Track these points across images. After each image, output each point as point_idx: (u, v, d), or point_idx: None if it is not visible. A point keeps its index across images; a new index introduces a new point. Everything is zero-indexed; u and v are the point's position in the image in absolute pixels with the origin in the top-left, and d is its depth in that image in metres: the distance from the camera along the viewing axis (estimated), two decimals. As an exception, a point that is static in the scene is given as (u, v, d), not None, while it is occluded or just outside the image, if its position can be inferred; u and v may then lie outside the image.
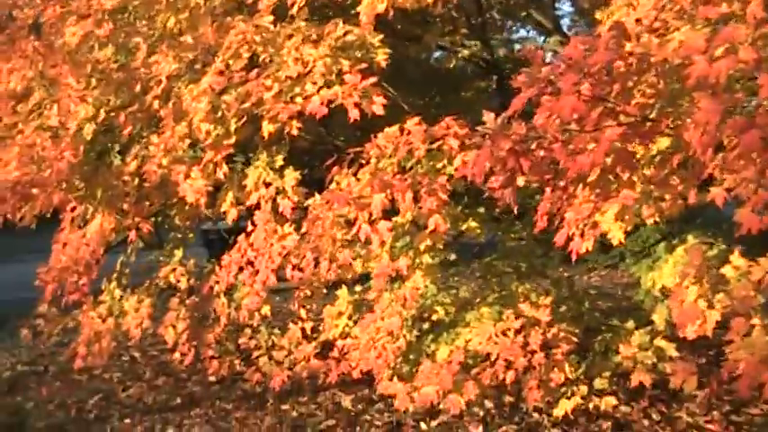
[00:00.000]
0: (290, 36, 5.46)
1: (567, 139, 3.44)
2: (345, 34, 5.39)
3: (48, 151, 6.10)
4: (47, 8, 6.97)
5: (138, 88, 5.95)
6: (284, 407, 6.58)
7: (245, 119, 5.39)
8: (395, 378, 5.45)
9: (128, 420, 6.51)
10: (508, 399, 6.15)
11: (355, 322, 6.01)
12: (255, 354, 6.46)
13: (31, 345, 8.43)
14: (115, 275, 6.81)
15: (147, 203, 6.41)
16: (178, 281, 6.65)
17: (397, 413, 5.97)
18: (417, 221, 4.97)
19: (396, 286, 5.21)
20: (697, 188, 3.92)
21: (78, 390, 7.42)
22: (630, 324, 5.54)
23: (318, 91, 5.16)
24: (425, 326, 5.76)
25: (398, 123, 4.98)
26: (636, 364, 5.24)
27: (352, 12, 6.27)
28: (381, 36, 5.38)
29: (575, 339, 5.20)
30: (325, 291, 5.91)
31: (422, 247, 4.99)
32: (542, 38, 11.95)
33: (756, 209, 3.30)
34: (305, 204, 5.49)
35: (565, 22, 12.63)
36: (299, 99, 5.22)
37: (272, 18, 5.58)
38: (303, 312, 6.14)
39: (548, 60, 11.36)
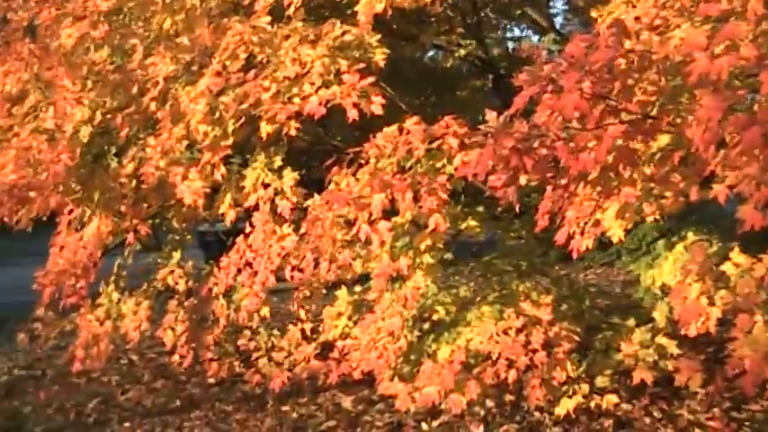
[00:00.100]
0: (288, 36, 5.45)
1: (569, 137, 3.44)
2: (343, 34, 5.39)
3: (44, 154, 6.08)
4: (42, 10, 6.96)
5: (134, 90, 5.94)
6: (284, 408, 6.55)
7: (243, 120, 5.38)
8: (396, 378, 5.44)
9: (127, 424, 6.47)
10: (509, 398, 6.14)
11: (355, 323, 6.00)
12: (255, 355, 6.45)
13: (28, 348, 8.38)
14: (113, 278, 6.79)
15: (145, 205, 6.39)
16: (176, 283, 6.64)
17: (397, 413, 5.95)
18: (417, 221, 4.95)
19: (396, 286, 5.20)
20: (698, 185, 3.91)
21: (77, 393, 7.37)
22: (631, 322, 5.54)
23: (317, 91, 5.15)
24: (426, 326, 5.75)
25: (396, 123, 4.97)
26: (637, 362, 5.24)
27: (348, 12, 6.27)
28: (379, 36, 5.37)
29: (576, 338, 5.20)
30: (324, 291, 5.90)
31: (422, 247, 4.97)
32: (537, 37, 11.97)
33: (759, 205, 3.30)
34: (304, 205, 5.48)
35: (557, 21, 12.63)
36: (296, 99, 5.21)
37: (269, 19, 5.57)
38: (302, 313, 6.12)
39: (543, 59, 11.39)
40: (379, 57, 5.35)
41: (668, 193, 4.35)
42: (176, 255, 6.78)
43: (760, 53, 3.21)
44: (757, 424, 5.76)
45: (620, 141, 3.48)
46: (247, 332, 6.59)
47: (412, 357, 5.48)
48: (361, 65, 5.20)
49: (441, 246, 5.01)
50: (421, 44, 9.67)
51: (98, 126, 6.18)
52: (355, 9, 5.44)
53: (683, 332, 4.55)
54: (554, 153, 3.44)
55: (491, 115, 3.58)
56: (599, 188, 4.03)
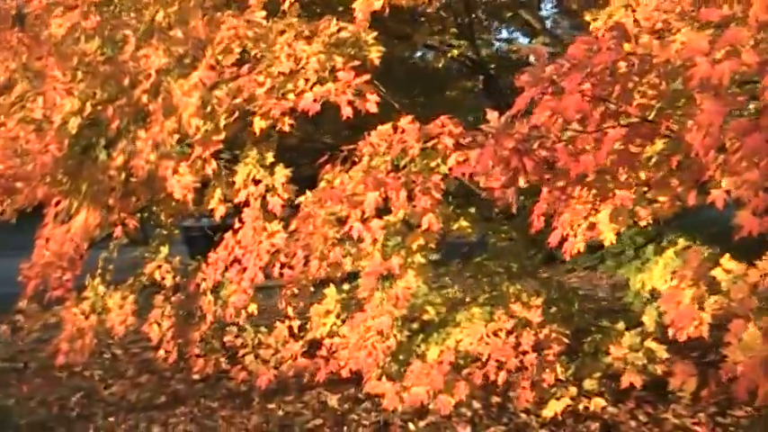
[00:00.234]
0: (283, 32, 5.43)
1: (569, 139, 3.43)
2: (339, 31, 5.37)
3: (32, 144, 6.02)
4: (32, -1, 6.87)
5: (126, 82, 5.88)
6: (270, 406, 6.51)
7: (236, 115, 5.34)
8: (384, 378, 5.42)
9: (111, 419, 6.40)
10: (495, 399, 6.15)
11: (343, 321, 5.98)
12: (242, 352, 6.41)
13: (9, 341, 8.31)
14: (99, 271, 6.73)
15: (134, 199, 6.32)
16: (163, 278, 6.60)
17: (384, 413, 5.94)
18: (410, 220, 4.94)
19: (387, 285, 5.17)
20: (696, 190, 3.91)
21: (60, 387, 7.31)
22: (620, 325, 5.55)
23: (311, 88, 5.14)
24: (415, 326, 5.74)
25: (386, 122, 4.96)
26: (626, 366, 5.25)
27: (341, 9, 6.25)
28: (375, 33, 5.35)
29: (566, 340, 5.20)
30: (311, 289, 5.86)
31: (414, 247, 4.95)
32: (527, 39, 12.00)
33: (757, 211, 3.30)
34: (295, 202, 5.44)
35: (546, 24, 12.66)
36: (291, 95, 5.20)
37: (264, 13, 5.54)
38: (290, 310, 6.08)
39: (533, 61, 11.40)
40: (375, 54, 5.34)
41: (662, 198, 4.36)
42: (164, 249, 6.73)
43: (761, 59, 3.21)
44: (742, 429, 5.78)
45: (617, 145, 3.47)
46: (234, 329, 6.54)
47: (401, 357, 5.46)
48: (356, 62, 5.19)
49: (433, 246, 5.00)
50: (412, 43, 9.67)
51: (87, 117, 6.10)
52: (351, 6, 5.42)
53: (671, 336, 4.59)
54: (554, 155, 3.43)
55: (492, 115, 3.57)
56: (594, 191, 4.03)
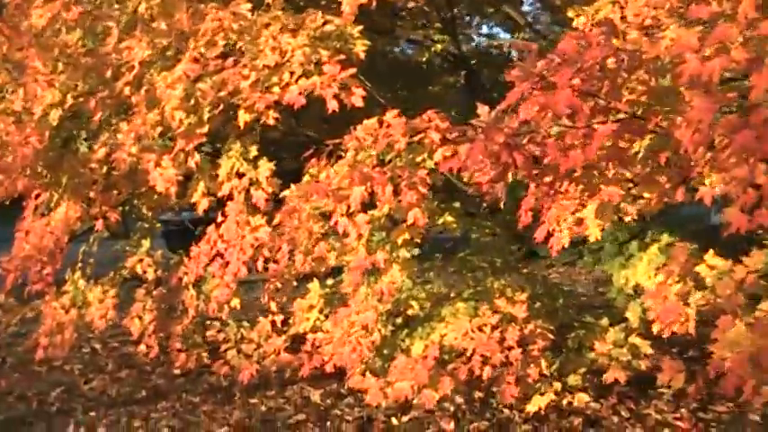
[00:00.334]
0: (268, 24, 5.38)
1: (559, 135, 3.42)
2: (324, 24, 5.33)
3: (11, 137, 5.95)
4: (12, -11, 6.78)
5: (108, 74, 5.82)
6: (252, 401, 6.48)
7: (221, 107, 5.29)
8: (367, 373, 5.41)
9: (92, 413, 6.35)
10: (478, 394, 6.14)
11: (326, 316, 5.96)
12: (224, 347, 6.36)
13: (-15, 335, 8.23)
14: (79, 265, 6.67)
15: (115, 192, 6.28)
16: (145, 272, 6.55)
17: (367, 408, 5.93)
18: (395, 215, 4.92)
19: (372, 280, 5.16)
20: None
21: (38, 382, 7.24)
22: (604, 321, 5.56)
23: (296, 81, 5.10)
24: (399, 320, 5.73)
25: (369, 116, 4.93)
26: (611, 361, 5.26)
27: (323, 2, 6.22)
28: (361, 27, 5.33)
29: (550, 336, 5.21)
30: (294, 284, 5.83)
31: (399, 241, 4.94)
32: (508, 35, 12.03)
33: (745, 208, 3.31)
34: (280, 196, 5.41)
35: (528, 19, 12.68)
36: (276, 89, 5.15)
37: (249, 6, 5.49)
38: (273, 305, 6.06)
39: (514, 57, 11.43)
40: (360, 48, 5.31)
41: (647, 194, 4.37)
42: (145, 243, 6.68)
43: (751, 56, 3.22)
44: (723, 424, 5.82)
45: (609, 140, 3.47)
46: (216, 323, 6.50)
47: (385, 352, 5.45)
48: (342, 56, 5.16)
49: (418, 240, 4.99)
50: (394, 38, 9.65)
51: (68, 110, 6.05)
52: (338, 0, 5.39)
53: (655, 332, 4.61)
54: (543, 150, 3.42)
55: (482, 110, 3.55)
56: (581, 186, 4.03)
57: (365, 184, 4.68)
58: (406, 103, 7.32)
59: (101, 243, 6.66)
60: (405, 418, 5.94)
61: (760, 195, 3.28)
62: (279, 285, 5.79)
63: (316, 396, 6.51)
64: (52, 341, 6.49)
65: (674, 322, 3.98)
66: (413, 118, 4.83)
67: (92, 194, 6.21)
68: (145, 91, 5.55)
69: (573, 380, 5.46)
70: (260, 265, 5.45)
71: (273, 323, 6.18)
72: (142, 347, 6.44)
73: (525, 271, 7.24)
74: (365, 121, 4.95)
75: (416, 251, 5.44)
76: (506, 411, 5.97)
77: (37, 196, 6.35)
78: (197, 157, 5.55)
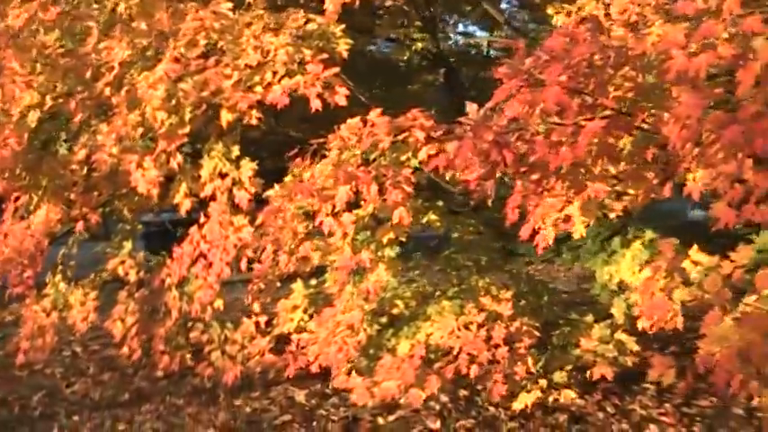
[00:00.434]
0: (249, 24, 5.36)
1: (547, 132, 3.42)
2: (306, 23, 5.31)
3: (-11, 138, 5.87)
4: (-13, -10, 6.69)
5: (88, 75, 5.76)
6: (237, 402, 6.44)
7: (203, 108, 5.26)
8: (353, 372, 5.40)
9: (76, 417, 6.29)
10: (463, 393, 6.15)
11: (311, 316, 5.95)
12: (208, 348, 6.32)
13: (-37, 340, 8.14)
14: (60, 268, 6.60)
15: (96, 193, 6.23)
16: (127, 273, 6.50)
17: (353, 408, 5.91)
18: (379, 214, 4.91)
19: (357, 279, 5.14)
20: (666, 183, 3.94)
21: (19, 386, 7.17)
22: (589, 318, 5.58)
23: (279, 80, 5.07)
24: (383, 320, 5.72)
25: (350, 115, 4.91)
26: (597, 358, 5.28)
27: (302, 1, 6.19)
28: (343, 26, 5.31)
29: (537, 333, 5.22)
30: (278, 284, 5.81)
31: (384, 240, 4.92)
32: (485, 33, 12.04)
33: (733, 203, 3.32)
34: (263, 196, 5.38)
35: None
36: (258, 88, 5.12)
37: (230, 5, 5.45)
38: (257, 306, 6.03)
39: (492, 55, 11.45)
40: (343, 47, 5.31)
41: (631, 191, 4.39)
42: (127, 245, 6.62)
43: (737, 52, 3.23)
44: (708, 419, 5.85)
45: (597, 137, 3.47)
46: (200, 325, 6.45)
47: (371, 352, 5.45)
48: (325, 55, 5.14)
49: (403, 239, 4.98)
50: (373, 36, 9.64)
51: (47, 111, 5.99)
52: (316, -1, 5.38)
53: (641, 328, 4.63)
54: (531, 147, 3.42)
55: (471, 107, 3.54)
56: (567, 183, 4.04)
57: (350, 183, 4.66)
58: (385, 102, 7.29)
59: (81, 245, 6.59)
60: (391, 418, 5.93)
61: (747, 190, 3.30)
62: (262, 286, 5.75)
63: (300, 396, 6.49)
64: (33, 345, 6.43)
65: (663, 318, 3.99)
66: (394, 117, 4.82)
67: (72, 196, 6.16)
68: (125, 91, 5.50)
69: (559, 377, 5.48)
70: (243, 265, 5.42)
71: (257, 324, 6.14)
72: (125, 350, 6.39)
73: (509, 268, 7.27)
74: (349, 121, 4.93)
75: (398, 249, 5.45)
76: (492, 409, 5.97)
77: (16, 199, 6.28)
78: (179, 157, 5.51)
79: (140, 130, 5.57)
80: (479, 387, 6.00)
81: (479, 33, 12.75)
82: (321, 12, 5.40)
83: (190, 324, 6.57)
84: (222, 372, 6.14)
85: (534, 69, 3.35)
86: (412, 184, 4.72)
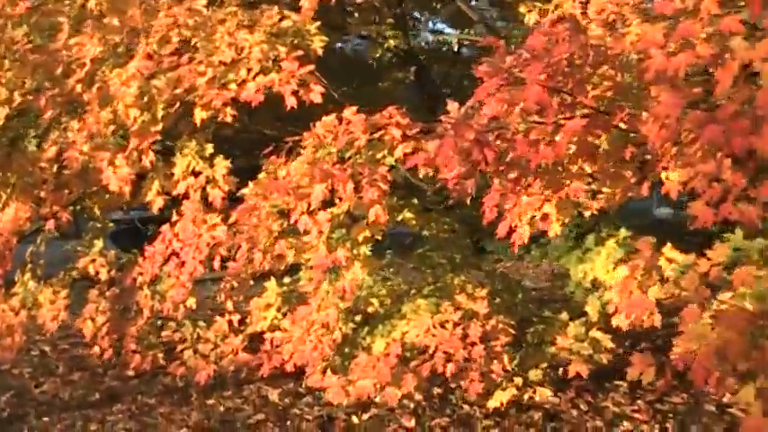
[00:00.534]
0: (223, 20, 5.29)
1: (527, 130, 3.42)
2: (281, 20, 5.26)
3: (-45, 136, 5.79)
4: (-47, -16, 6.57)
5: (59, 71, 5.68)
6: (209, 401, 6.40)
7: (177, 105, 5.20)
8: (328, 371, 5.37)
9: (46, 418, 6.22)
10: (437, 391, 6.15)
11: (284, 314, 5.90)
12: (180, 347, 6.26)
13: (-69, 340, 7.96)
14: (29, 266, 6.51)
15: (66, 191, 6.14)
16: (98, 272, 6.42)
17: (327, 407, 5.89)
18: (355, 212, 4.88)
19: (333, 278, 5.12)
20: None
21: (-13, 386, 7.08)
22: (564, 316, 5.59)
23: (254, 77, 5.02)
24: (358, 318, 5.69)
25: (323, 113, 4.88)
26: (572, 356, 5.29)
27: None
28: (318, 23, 5.27)
29: (512, 331, 5.22)
30: (251, 282, 5.77)
31: (360, 238, 4.90)
32: (455, 30, 12.03)
33: (711, 202, 3.34)
34: (237, 194, 5.34)
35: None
36: (233, 85, 5.07)
37: (204, 1, 5.40)
38: (230, 304, 5.98)
39: (466, 54, 11.46)
40: (318, 44, 5.25)
41: (606, 189, 4.41)
42: (98, 243, 6.54)
43: (715, 52, 3.25)
44: (680, 415, 5.89)
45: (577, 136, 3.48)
46: (172, 324, 6.39)
47: (346, 350, 5.42)
48: (300, 52, 5.10)
49: (379, 237, 4.96)
50: (345, 34, 9.60)
51: (16, 108, 5.89)
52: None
53: (615, 325, 4.66)
54: (512, 146, 3.42)
55: (452, 106, 3.53)
56: (545, 182, 4.05)
57: (326, 181, 4.63)
58: (357, 100, 7.26)
59: (51, 243, 6.50)
60: (365, 416, 5.92)
61: (725, 189, 3.32)
62: (235, 284, 5.72)
63: (274, 396, 6.46)
64: (1, 344, 6.34)
65: (640, 316, 4.02)
66: (368, 114, 4.79)
67: (42, 194, 6.08)
68: (97, 88, 5.43)
69: (534, 375, 5.48)
70: (217, 263, 5.38)
71: (230, 322, 6.09)
72: (95, 349, 6.31)
73: (484, 267, 7.28)
74: (324, 118, 4.90)
75: (370, 247, 5.43)
76: (467, 407, 5.98)
77: (-16, 197, 6.19)
78: (151, 155, 5.44)
79: (112, 127, 5.51)
80: (453, 385, 6.00)
81: (448, 31, 12.75)
82: (296, 9, 5.35)
83: (162, 323, 6.52)
84: (195, 371, 6.08)
85: (515, 68, 3.35)
86: (388, 182, 4.70)
